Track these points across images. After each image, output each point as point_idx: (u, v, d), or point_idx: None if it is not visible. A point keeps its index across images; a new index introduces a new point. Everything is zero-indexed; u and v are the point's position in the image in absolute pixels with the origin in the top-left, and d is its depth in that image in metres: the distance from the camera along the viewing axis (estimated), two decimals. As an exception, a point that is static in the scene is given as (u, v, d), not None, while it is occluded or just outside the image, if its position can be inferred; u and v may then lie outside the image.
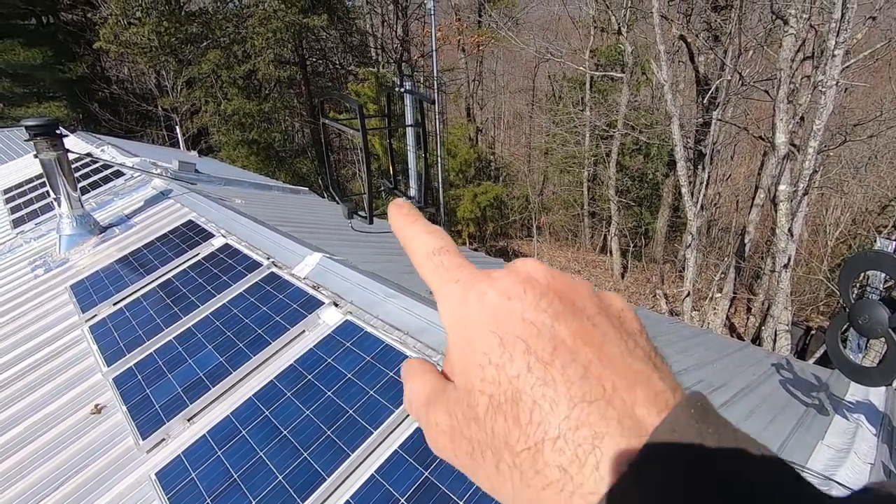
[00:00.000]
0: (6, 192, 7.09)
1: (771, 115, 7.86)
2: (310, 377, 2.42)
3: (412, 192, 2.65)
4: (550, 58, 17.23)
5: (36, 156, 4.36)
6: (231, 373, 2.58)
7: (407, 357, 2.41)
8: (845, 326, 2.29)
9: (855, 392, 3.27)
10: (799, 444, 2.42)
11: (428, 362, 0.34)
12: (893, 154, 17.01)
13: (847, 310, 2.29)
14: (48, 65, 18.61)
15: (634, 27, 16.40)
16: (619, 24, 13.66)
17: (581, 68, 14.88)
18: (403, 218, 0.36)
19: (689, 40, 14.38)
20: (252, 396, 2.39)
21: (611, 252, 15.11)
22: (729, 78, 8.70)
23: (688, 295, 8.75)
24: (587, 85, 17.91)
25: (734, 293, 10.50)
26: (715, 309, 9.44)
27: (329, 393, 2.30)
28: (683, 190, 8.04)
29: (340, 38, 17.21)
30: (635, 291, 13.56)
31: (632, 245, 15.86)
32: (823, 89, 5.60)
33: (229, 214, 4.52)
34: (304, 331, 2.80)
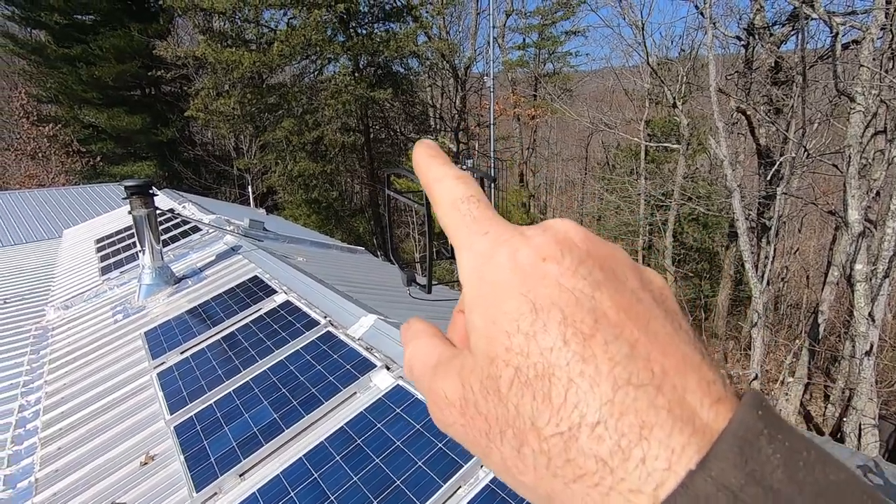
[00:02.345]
0: (98, 241, 7.83)
1: (841, 189, 7.52)
2: (359, 442, 2.42)
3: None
4: (604, 128, 17.55)
5: (130, 212, 4.85)
6: (283, 430, 2.63)
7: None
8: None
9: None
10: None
11: (433, 325, 0.31)
12: None
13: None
14: (145, 129, 20.96)
15: (690, 100, 16.53)
16: (673, 97, 13.83)
17: (635, 139, 15.01)
18: (430, 158, 0.32)
19: (748, 113, 14.29)
20: (302, 457, 2.41)
21: (667, 325, 14.38)
22: (794, 154, 8.48)
23: (755, 378, 8.11)
24: (641, 155, 17.95)
25: (808, 378, 9.61)
26: (787, 395, 8.66)
27: (377, 460, 2.28)
28: (747, 265, 7.68)
29: (402, 108, 18.40)
30: (695, 369, 12.67)
31: (690, 318, 15.06)
32: (899, 167, 5.36)
33: (291, 272, 4.76)
34: (355, 392, 2.84)
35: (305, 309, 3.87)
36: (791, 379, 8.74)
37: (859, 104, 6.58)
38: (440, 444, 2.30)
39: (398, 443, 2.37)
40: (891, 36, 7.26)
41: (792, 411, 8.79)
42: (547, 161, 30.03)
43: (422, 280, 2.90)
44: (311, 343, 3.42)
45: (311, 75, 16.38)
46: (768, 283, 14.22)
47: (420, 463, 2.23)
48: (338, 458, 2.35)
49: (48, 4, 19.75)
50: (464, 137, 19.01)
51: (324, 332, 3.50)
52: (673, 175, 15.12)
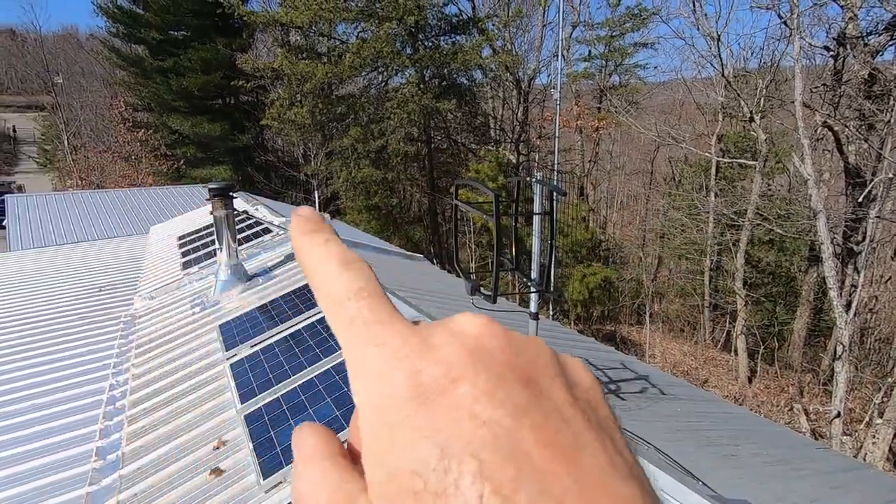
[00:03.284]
0: (180, 238, 8.47)
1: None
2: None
3: (533, 274, 2.71)
4: (672, 142, 16.87)
5: (212, 212, 5.21)
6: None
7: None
8: None
9: None
10: None
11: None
12: None
13: None
14: (224, 136, 22.52)
15: (768, 114, 15.57)
16: (750, 111, 13.09)
17: (706, 154, 14.32)
18: (309, 235, 0.25)
19: (835, 128, 13.25)
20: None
21: (736, 351, 13.52)
22: (891, 175, 7.77)
23: (837, 415, 7.42)
24: (712, 171, 17.08)
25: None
26: (875, 437, 7.84)
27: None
28: (831, 292, 7.08)
29: (464, 119, 18.61)
30: (765, 401, 11.83)
31: (762, 346, 14.07)
32: None
33: (355, 275, 4.92)
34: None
35: (368, 312, 3.99)
36: (880, 421, 7.91)
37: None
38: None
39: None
40: None
41: (880, 456, 7.95)
42: (609, 175, 29.23)
43: (486, 290, 2.93)
44: (372, 345, 3.51)
45: (379, 86, 16.95)
46: (855, 314, 13.03)
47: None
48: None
49: (147, 22, 21.77)
50: (524, 149, 18.91)
51: (385, 335, 3.59)
52: (747, 193, 14.26)
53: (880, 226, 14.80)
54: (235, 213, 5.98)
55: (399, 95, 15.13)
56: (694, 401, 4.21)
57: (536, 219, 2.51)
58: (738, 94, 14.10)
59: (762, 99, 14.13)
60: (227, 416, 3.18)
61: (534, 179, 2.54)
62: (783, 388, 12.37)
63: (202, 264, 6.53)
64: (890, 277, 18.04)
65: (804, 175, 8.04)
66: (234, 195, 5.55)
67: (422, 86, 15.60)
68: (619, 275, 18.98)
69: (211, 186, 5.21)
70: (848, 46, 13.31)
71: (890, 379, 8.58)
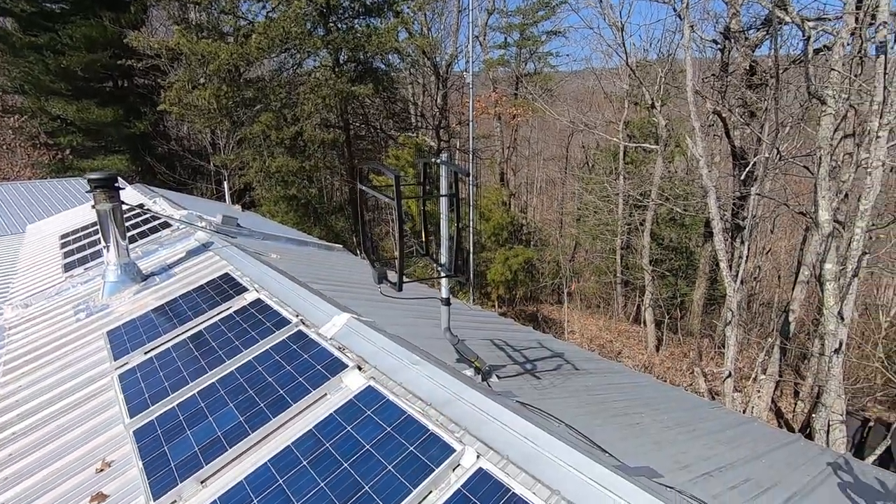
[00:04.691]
0: (63, 237, 7.53)
1: (812, 191, 7.69)
2: (328, 445, 2.34)
3: (443, 258, 2.65)
4: (584, 128, 17.68)
5: (93, 206, 4.64)
6: (249, 434, 2.52)
7: (429, 430, 2.31)
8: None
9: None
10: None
11: None
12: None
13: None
14: (117, 122, 20.32)
15: (668, 102, 16.75)
16: (652, 98, 13.99)
17: (614, 139, 15.16)
18: None
19: (723, 115, 14.54)
20: (268, 462, 2.32)
21: (644, 323, 14.60)
22: (767, 155, 8.64)
23: (729, 375, 8.24)
24: (620, 155, 18.15)
25: (779, 375, 9.84)
26: (759, 392, 8.84)
27: (346, 465, 2.20)
28: (722, 264, 7.79)
29: (383, 104, 18.22)
30: (671, 367, 12.91)
31: (667, 316, 15.30)
32: (869, 169, 5.48)
33: (264, 269, 4.63)
34: (325, 394, 2.75)
35: (276, 307, 3.76)
36: (763, 376, 8.92)
37: (829, 107, 6.72)
38: (411, 448, 2.24)
39: (368, 446, 2.29)
40: (860, 41, 7.44)
41: (763, 408, 8.97)
42: (528, 160, 30.18)
43: (394, 277, 2.84)
44: (281, 342, 3.31)
45: (290, 69, 16.09)
46: (741, 282, 14.52)
47: (390, 467, 2.16)
48: (305, 462, 2.26)
49: (14, -10, 19.00)
50: (445, 135, 18.93)
51: (295, 331, 3.40)
52: (651, 176, 15.32)
53: (761, 202, 16.55)
54: (127, 206, 5.39)
55: (312, 79, 14.47)
56: (604, 374, 4.43)
57: (443, 201, 2.45)
58: (641, 83, 15.01)
59: (662, 87, 15.15)
60: (114, 434, 2.84)
61: (438, 161, 2.47)
62: (685, 353, 13.56)
63: (88, 265, 5.85)
64: (770, 249, 20.32)
65: (696, 156, 8.72)
66: (121, 186, 4.98)
67: (336, 69, 15.03)
68: (539, 256, 19.72)
69: (91, 177, 4.62)
70: (732, 40, 14.61)
71: (770, 339, 9.66)
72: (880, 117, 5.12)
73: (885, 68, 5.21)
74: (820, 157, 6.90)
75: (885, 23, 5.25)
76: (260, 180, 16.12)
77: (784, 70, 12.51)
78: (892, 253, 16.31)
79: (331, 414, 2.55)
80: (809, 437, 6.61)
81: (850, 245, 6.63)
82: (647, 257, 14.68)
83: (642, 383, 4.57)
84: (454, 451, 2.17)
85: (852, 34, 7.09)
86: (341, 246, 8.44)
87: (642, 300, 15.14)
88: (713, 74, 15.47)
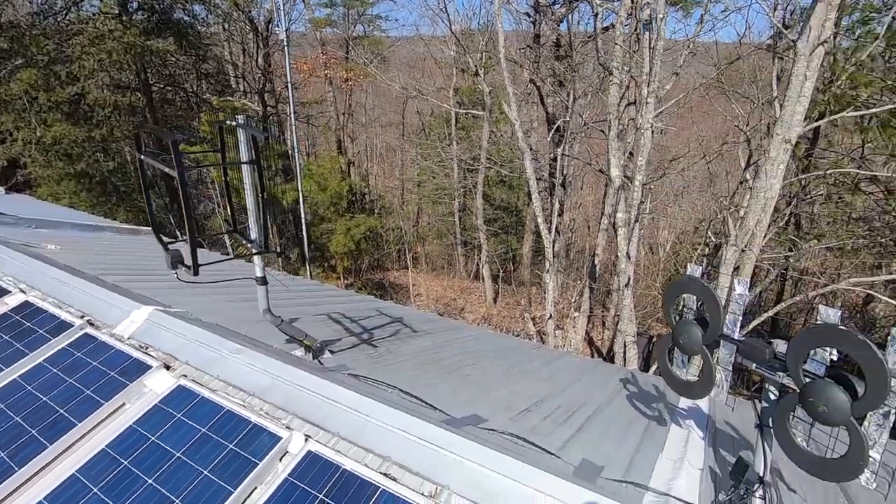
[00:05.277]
0: None
1: (606, 151, 8.95)
2: (126, 463, 2.00)
3: (253, 234, 2.41)
4: (417, 95, 17.88)
5: None
6: (15, 472, 2.03)
7: (251, 423, 2.13)
8: (671, 345, 2.56)
9: (685, 399, 3.68)
10: (644, 458, 2.61)
11: None
12: (701, 183, 20.51)
13: (672, 330, 2.56)
14: None
15: (492, 69, 17.79)
16: (476, 66, 14.68)
17: (446, 105, 15.67)
18: None
19: (538, 84, 15.96)
20: (43, 500, 1.90)
21: (483, 278, 15.80)
22: (567, 118, 9.75)
23: (550, 317, 9.41)
24: (452, 121, 18.88)
25: (591, 311, 11.59)
26: (575, 327, 10.30)
27: (150, 481, 1.91)
28: (539, 219, 8.72)
29: (192, 64, 15.95)
30: (507, 315, 14.27)
31: (501, 270, 16.76)
32: (642, 131, 6.57)
33: (34, 264, 3.74)
34: (123, 404, 2.34)
35: (53, 310, 3.07)
36: (577, 313, 10.39)
37: (615, 78, 7.79)
38: (231, 445, 2.03)
39: (179, 454, 2.02)
40: (635, 21, 8.71)
41: (579, 340, 10.50)
42: (365, 127, 29.61)
43: (190, 260, 2.50)
44: (60, 352, 2.72)
45: (58, 15, 12.99)
46: (558, 234, 16.51)
47: (206, 472, 1.93)
48: (95, 489, 1.90)
49: None
50: (271, 100, 17.45)
51: (79, 335, 2.82)
52: (480, 140, 16.28)
53: (572, 163, 18.83)
54: None
55: (92, 29, 11.90)
56: (443, 332, 4.64)
57: (245, 169, 2.19)
58: (466, 51, 15.63)
59: (484, 56, 15.97)
60: None
61: (234, 124, 2.18)
62: (518, 302, 15.10)
63: None
64: (581, 203, 23.43)
65: (511, 119, 9.47)
66: None
67: (124, 18, 12.58)
68: (383, 224, 19.79)
69: None
70: (541, 14, 15.97)
71: (581, 281, 11.24)
72: (648, 86, 6.11)
73: (650, 43, 6.18)
74: (610, 122, 8.02)
75: (649, 3, 6.19)
76: (32, 154, 12.97)
77: (583, 43, 14.13)
78: (665, 201, 20.02)
79: (130, 426, 2.19)
80: (612, 359, 7.94)
81: (633, 195, 7.93)
82: (481, 218, 15.74)
83: (477, 336, 4.90)
84: (280, 439, 2.03)
85: (629, 14, 8.27)
86: (149, 229, 7.29)
87: (480, 258, 16.32)
88: (528, 46, 16.81)
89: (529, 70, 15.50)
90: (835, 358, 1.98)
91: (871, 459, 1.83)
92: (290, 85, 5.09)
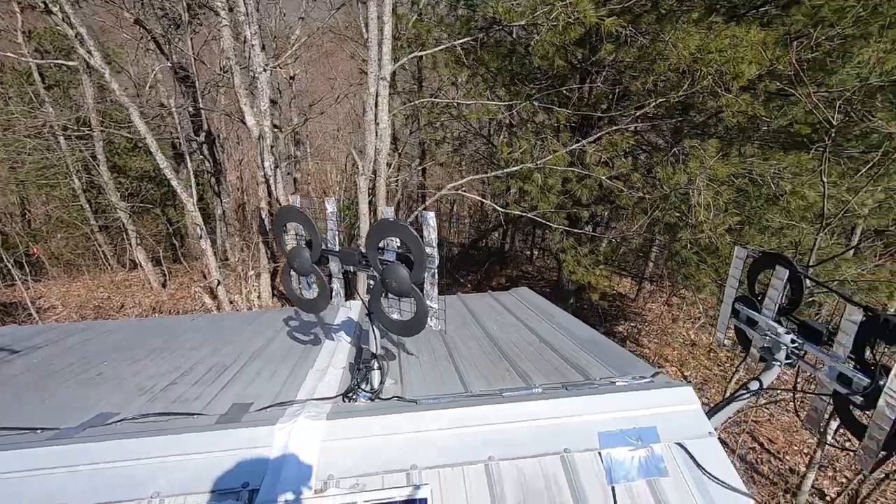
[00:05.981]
0: None
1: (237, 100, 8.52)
2: None
3: None
4: None
5: None
6: None
7: None
8: (289, 269, 2.76)
9: (341, 315, 4.12)
10: (295, 378, 2.82)
11: None
12: (352, 124, 22.29)
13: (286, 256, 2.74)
14: None
15: (81, 5, 14.00)
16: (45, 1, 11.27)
17: (11, 54, 11.65)
18: None
19: (147, 27, 13.56)
20: None
21: (140, 264, 13.43)
22: (195, 69, 8.76)
23: (219, 283, 8.87)
24: (36, 76, 14.36)
25: (269, 264, 11.43)
26: (257, 285, 10.06)
27: None
28: (173, 182, 7.73)
29: None
30: (183, 296, 12.72)
31: (164, 250, 14.60)
32: (257, 75, 6.47)
33: None
34: None
35: None
36: (252, 272, 10.13)
37: (224, 18, 7.29)
38: None
39: None
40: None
41: (268, 296, 10.35)
42: None
43: None
44: None
45: None
46: (218, 196, 15.31)
47: None
48: None
49: None
50: None
51: None
52: (85, 99, 13.00)
53: (221, 118, 17.32)
54: None
55: None
56: (62, 339, 3.77)
57: None
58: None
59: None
60: None
61: None
62: (194, 279, 13.59)
63: None
64: (242, 159, 22.15)
65: (97, 67, 7.88)
66: None
67: None
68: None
69: None
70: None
71: (255, 239, 10.91)
72: (249, 27, 5.98)
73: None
74: (231, 68, 7.58)
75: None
76: None
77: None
78: (323, 145, 20.95)
79: None
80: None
81: (278, 143, 7.93)
82: (114, 194, 13.02)
83: (120, 328, 4.19)
84: None
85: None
86: None
87: (130, 242, 13.68)
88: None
89: (132, 11, 12.93)
90: (397, 244, 2.53)
91: (432, 309, 2.47)
92: None
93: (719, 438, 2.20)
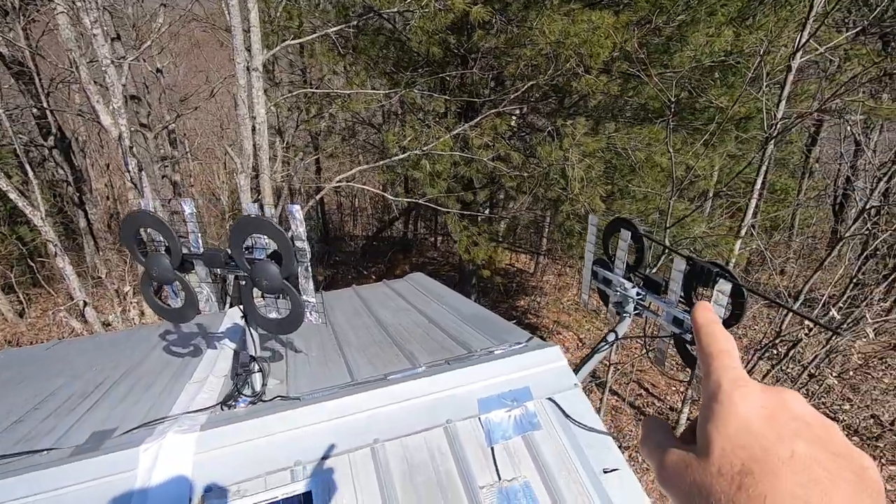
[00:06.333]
0: None
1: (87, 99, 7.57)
2: None
3: None
4: None
5: None
6: None
7: None
8: (148, 280, 2.56)
9: (227, 322, 3.90)
10: (171, 393, 2.64)
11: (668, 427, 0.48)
12: (236, 120, 20.78)
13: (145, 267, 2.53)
14: None
15: None
16: None
17: None
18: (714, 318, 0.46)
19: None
20: None
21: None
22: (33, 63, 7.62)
23: (86, 304, 7.95)
24: None
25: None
26: (136, 302, 9.14)
27: None
28: (12, 196, 6.67)
29: None
30: (47, 323, 11.18)
31: (19, 274, 12.68)
32: (104, 69, 5.80)
33: None
34: None
35: None
36: (129, 287, 9.20)
37: (60, 5, 6.40)
38: None
39: None
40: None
41: (136, 316, 9.46)
42: None
43: None
44: None
45: None
46: (82, 206, 13.64)
47: None
48: None
49: None
50: None
51: None
52: None
53: (81, 122, 15.30)
54: None
55: None
56: None
57: None
58: None
59: None
60: None
61: None
62: (58, 303, 12.00)
63: None
64: (109, 164, 19.79)
65: None
66: None
67: None
68: None
69: None
70: None
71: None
72: (88, 14, 5.32)
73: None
74: (74, 61, 6.70)
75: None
76: None
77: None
78: (204, 143, 19.48)
79: None
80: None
81: (125, 143, 7.19)
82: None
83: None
84: None
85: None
86: None
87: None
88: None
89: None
90: (273, 247, 2.45)
91: (310, 304, 2.43)
92: None
93: (610, 389, 2.44)
